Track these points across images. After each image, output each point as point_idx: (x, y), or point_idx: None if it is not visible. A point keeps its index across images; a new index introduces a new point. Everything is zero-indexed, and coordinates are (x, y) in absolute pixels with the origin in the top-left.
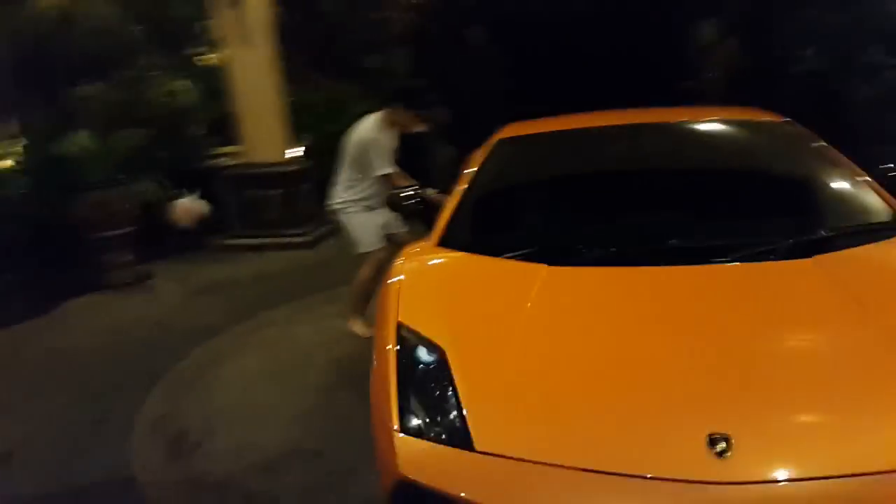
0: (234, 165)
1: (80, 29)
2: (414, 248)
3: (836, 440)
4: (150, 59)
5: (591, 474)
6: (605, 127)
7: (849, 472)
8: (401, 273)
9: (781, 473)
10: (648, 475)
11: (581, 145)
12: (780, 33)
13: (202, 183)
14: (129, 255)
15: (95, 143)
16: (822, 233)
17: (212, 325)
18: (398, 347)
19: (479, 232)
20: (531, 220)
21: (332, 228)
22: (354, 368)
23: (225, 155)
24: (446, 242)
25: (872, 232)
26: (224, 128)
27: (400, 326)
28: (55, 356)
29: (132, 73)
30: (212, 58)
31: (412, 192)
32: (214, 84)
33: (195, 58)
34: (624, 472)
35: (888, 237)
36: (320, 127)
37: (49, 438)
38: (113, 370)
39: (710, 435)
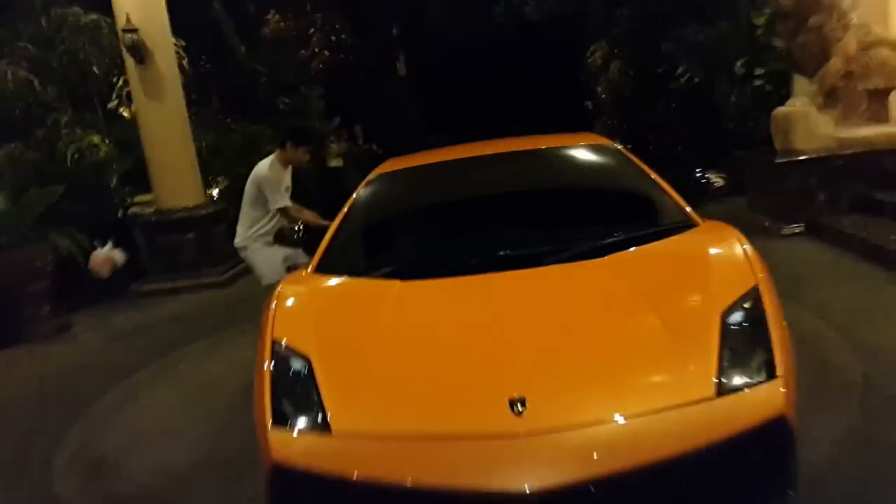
0: (148, 213)
1: None
2: (293, 276)
3: (598, 395)
4: (64, 116)
5: (416, 440)
6: (457, 160)
7: (607, 419)
8: (276, 298)
9: (564, 423)
10: (464, 434)
11: (437, 176)
12: (660, 52)
13: (119, 232)
14: (45, 308)
15: (7, 203)
16: (620, 236)
17: (129, 366)
18: (273, 360)
19: (350, 257)
20: (392, 243)
21: (247, 266)
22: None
23: (139, 203)
24: (322, 268)
25: (664, 232)
26: (138, 177)
27: (273, 343)
28: None
29: (46, 132)
30: (124, 111)
31: (298, 225)
32: (127, 136)
33: (109, 112)
34: (444, 433)
35: (677, 233)
36: (234, 169)
37: None
38: (34, 415)
39: (509, 398)
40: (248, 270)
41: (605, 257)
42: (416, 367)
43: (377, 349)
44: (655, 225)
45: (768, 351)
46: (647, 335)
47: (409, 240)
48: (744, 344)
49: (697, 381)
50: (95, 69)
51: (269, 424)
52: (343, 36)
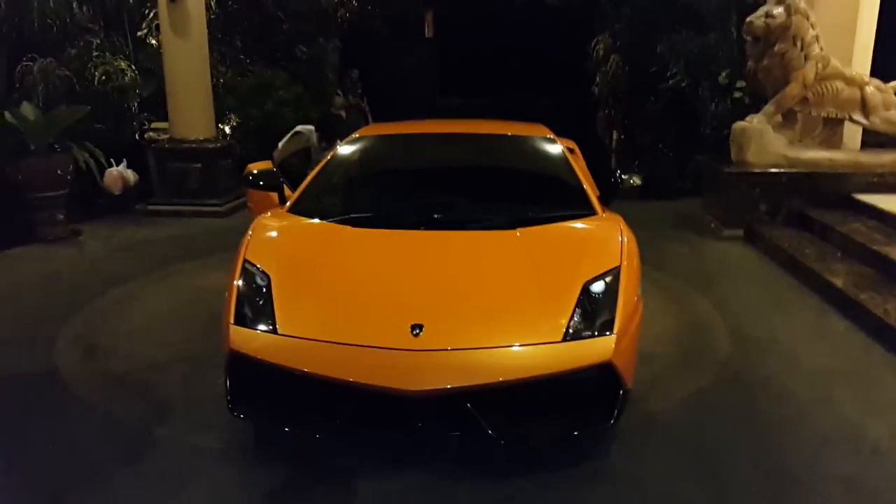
0: (163, 140)
1: (31, 10)
2: (270, 213)
3: (477, 329)
4: (96, 39)
5: (340, 345)
6: (422, 134)
7: (481, 346)
8: (252, 228)
9: (449, 346)
10: (374, 346)
11: (401, 145)
12: (654, 53)
13: (133, 154)
14: (61, 214)
15: (36, 115)
16: (531, 215)
17: (129, 273)
18: (242, 274)
19: (319, 204)
20: (353, 197)
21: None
22: None
23: (156, 129)
24: (295, 209)
25: (568, 217)
26: (156, 104)
27: (245, 261)
28: None
29: (78, 52)
30: (151, 40)
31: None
32: (152, 64)
33: (137, 39)
34: (360, 343)
35: (578, 219)
36: (246, 109)
37: None
38: (41, 304)
39: (411, 324)
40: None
41: (515, 230)
42: (347, 293)
43: (321, 277)
44: (563, 210)
45: (612, 314)
46: (525, 291)
47: (367, 196)
48: (595, 306)
49: (551, 329)
50: None
51: (232, 322)
52: None
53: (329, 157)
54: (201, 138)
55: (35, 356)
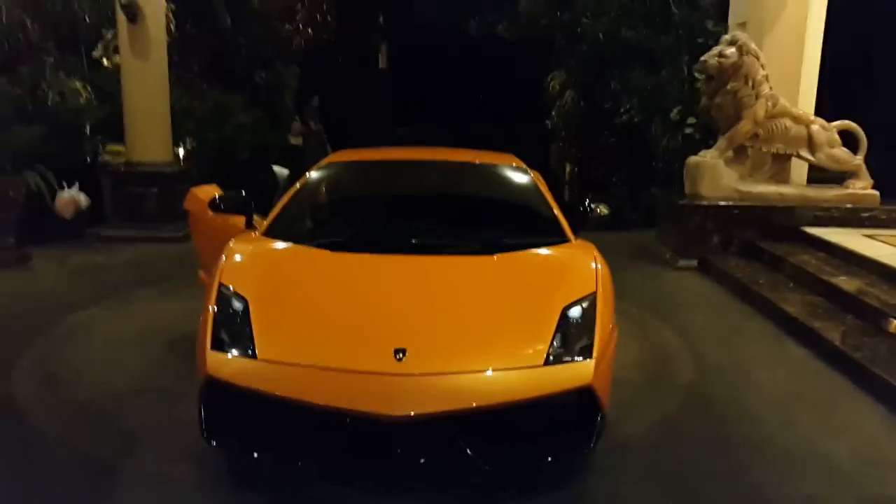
0: (118, 162)
1: None
2: (243, 236)
3: (459, 353)
4: (50, 58)
5: (322, 370)
6: (396, 160)
7: (465, 370)
8: (227, 251)
9: (431, 370)
10: (357, 370)
11: (377, 172)
12: (608, 89)
13: (85, 177)
14: (11, 238)
15: None
16: (506, 241)
17: (85, 300)
18: (218, 298)
19: (293, 227)
20: (328, 221)
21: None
22: (192, 337)
23: (110, 153)
24: (270, 233)
25: (542, 244)
26: (110, 127)
27: (220, 285)
28: None
29: (30, 71)
30: (106, 62)
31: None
32: (106, 85)
33: (92, 61)
34: (343, 368)
35: (552, 245)
36: (203, 133)
37: None
38: None
39: (394, 348)
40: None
41: (493, 255)
42: (328, 317)
43: (299, 300)
44: (537, 237)
45: (590, 339)
46: (505, 316)
47: (343, 220)
48: (574, 331)
49: (532, 353)
50: (87, 18)
51: (209, 347)
52: (329, 18)
53: (302, 182)
54: (158, 161)
55: None
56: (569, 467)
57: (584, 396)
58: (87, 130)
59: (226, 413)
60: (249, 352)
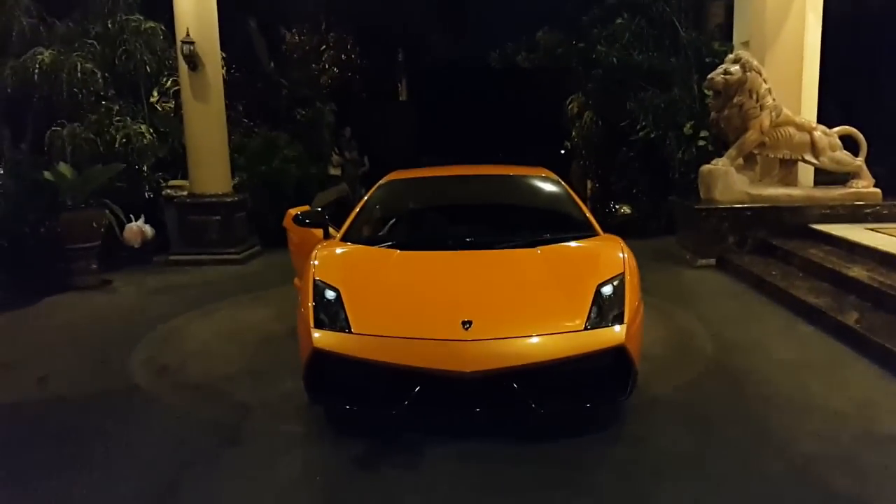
0: (182, 195)
1: (61, 79)
2: (327, 242)
3: (515, 322)
4: (116, 105)
5: (404, 339)
6: (445, 176)
7: (518, 335)
8: (315, 255)
9: (492, 336)
10: (433, 338)
11: (430, 186)
12: (624, 109)
13: (147, 210)
14: (94, 264)
15: (73, 173)
16: (547, 236)
17: (169, 313)
18: (314, 290)
19: (365, 233)
20: (394, 227)
21: (260, 249)
22: (277, 335)
23: (172, 187)
24: (346, 238)
25: (576, 237)
26: (168, 164)
27: (315, 279)
28: (52, 331)
29: (99, 117)
30: (162, 105)
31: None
32: (165, 127)
33: (153, 105)
34: (421, 336)
35: (584, 238)
36: (254, 166)
37: (72, 371)
38: (101, 339)
39: (462, 320)
40: (260, 253)
41: (536, 248)
42: (405, 298)
43: (381, 287)
44: (571, 232)
45: (621, 309)
46: (550, 294)
47: (406, 226)
48: (607, 303)
49: (574, 320)
50: (148, 68)
51: (312, 326)
52: (353, 56)
53: (367, 197)
54: (220, 193)
55: (115, 377)
56: (610, 416)
57: (618, 354)
58: (146, 169)
59: (327, 377)
60: (346, 328)
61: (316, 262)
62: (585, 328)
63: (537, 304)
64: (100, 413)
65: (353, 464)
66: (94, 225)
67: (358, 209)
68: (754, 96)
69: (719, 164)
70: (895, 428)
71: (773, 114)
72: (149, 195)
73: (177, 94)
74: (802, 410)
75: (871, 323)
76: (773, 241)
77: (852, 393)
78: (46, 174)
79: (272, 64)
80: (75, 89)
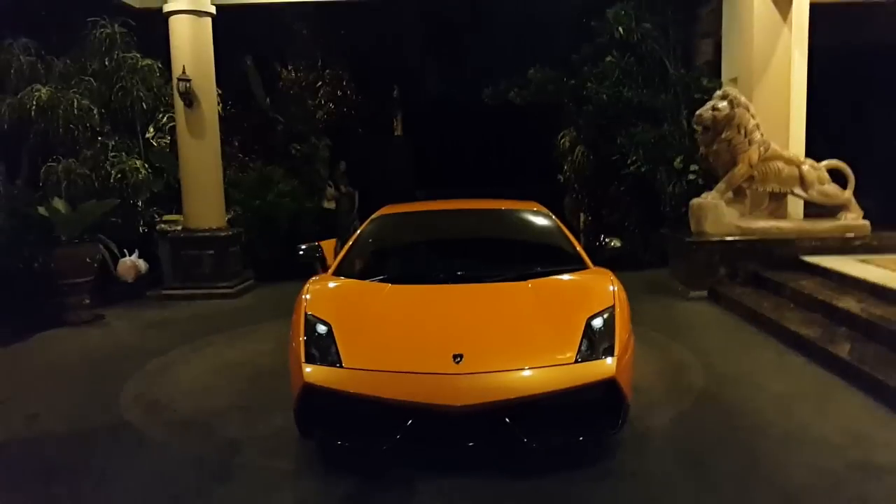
0: (176, 230)
1: (57, 115)
2: (318, 277)
3: (506, 356)
4: (111, 141)
5: (396, 373)
6: (436, 210)
7: (509, 368)
8: (307, 289)
9: (483, 369)
10: (424, 372)
11: (420, 220)
12: (615, 143)
13: (141, 245)
14: (87, 299)
15: (68, 209)
16: (538, 269)
17: (162, 347)
18: (305, 324)
19: (357, 267)
20: (386, 261)
21: (253, 284)
22: (268, 370)
23: (167, 221)
24: (338, 272)
25: (566, 270)
26: (163, 199)
27: (306, 314)
28: (43, 367)
29: (94, 152)
30: (156, 141)
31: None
32: (160, 162)
33: (149, 140)
34: (412, 371)
35: (574, 271)
36: (249, 201)
37: (62, 408)
38: (92, 375)
39: (453, 354)
40: (253, 287)
41: (527, 282)
42: (396, 332)
43: (372, 321)
44: (561, 265)
45: (611, 342)
46: (540, 327)
47: (397, 260)
48: (597, 336)
49: (565, 353)
50: (144, 104)
51: (303, 361)
52: (349, 92)
53: (359, 232)
54: (214, 227)
55: (105, 413)
56: (603, 450)
57: (609, 387)
58: (139, 204)
59: (318, 412)
60: (336, 362)
61: (307, 297)
62: (576, 361)
63: (528, 338)
64: (89, 450)
65: (344, 500)
66: (88, 260)
67: (350, 243)
68: (742, 131)
69: (709, 198)
70: (887, 459)
71: (762, 148)
72: (143, 230)
73: (172, 130)
74: (794, 442)
75: (863, 354)
76: (765, 272)
77: (844, 424)
78: (41, 209)
79: (268, 100)
80: (71, 125)
